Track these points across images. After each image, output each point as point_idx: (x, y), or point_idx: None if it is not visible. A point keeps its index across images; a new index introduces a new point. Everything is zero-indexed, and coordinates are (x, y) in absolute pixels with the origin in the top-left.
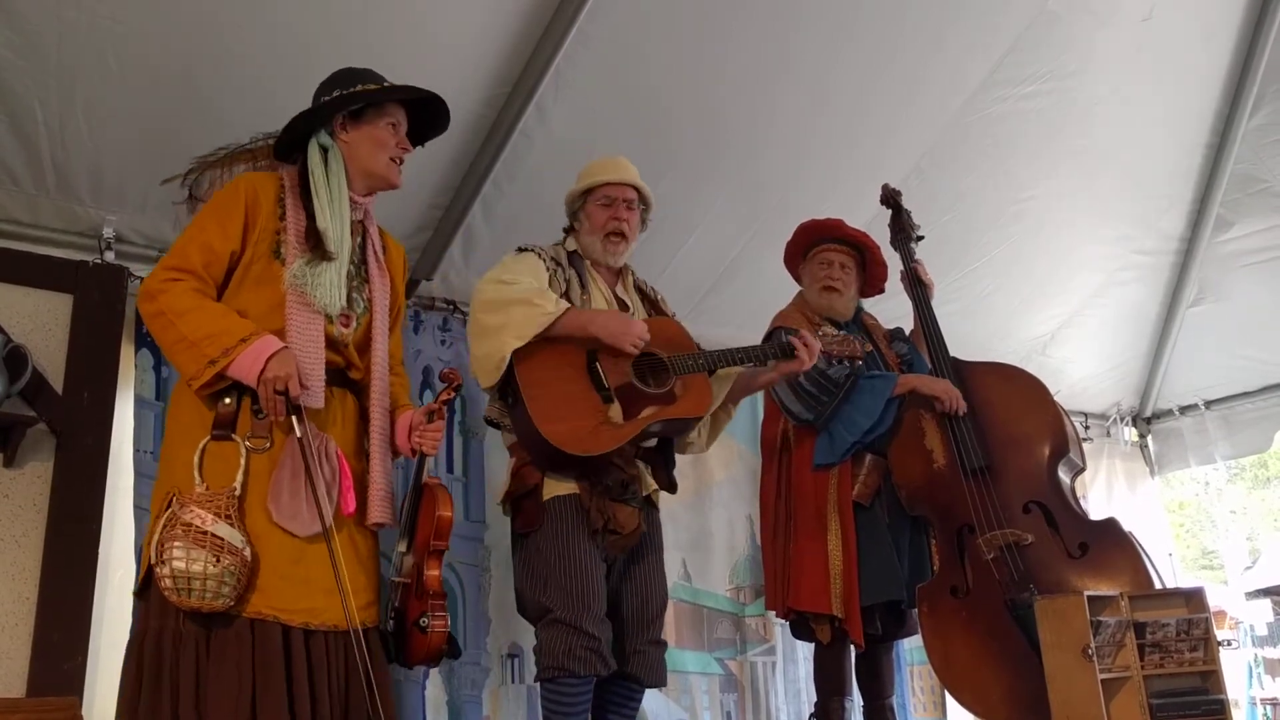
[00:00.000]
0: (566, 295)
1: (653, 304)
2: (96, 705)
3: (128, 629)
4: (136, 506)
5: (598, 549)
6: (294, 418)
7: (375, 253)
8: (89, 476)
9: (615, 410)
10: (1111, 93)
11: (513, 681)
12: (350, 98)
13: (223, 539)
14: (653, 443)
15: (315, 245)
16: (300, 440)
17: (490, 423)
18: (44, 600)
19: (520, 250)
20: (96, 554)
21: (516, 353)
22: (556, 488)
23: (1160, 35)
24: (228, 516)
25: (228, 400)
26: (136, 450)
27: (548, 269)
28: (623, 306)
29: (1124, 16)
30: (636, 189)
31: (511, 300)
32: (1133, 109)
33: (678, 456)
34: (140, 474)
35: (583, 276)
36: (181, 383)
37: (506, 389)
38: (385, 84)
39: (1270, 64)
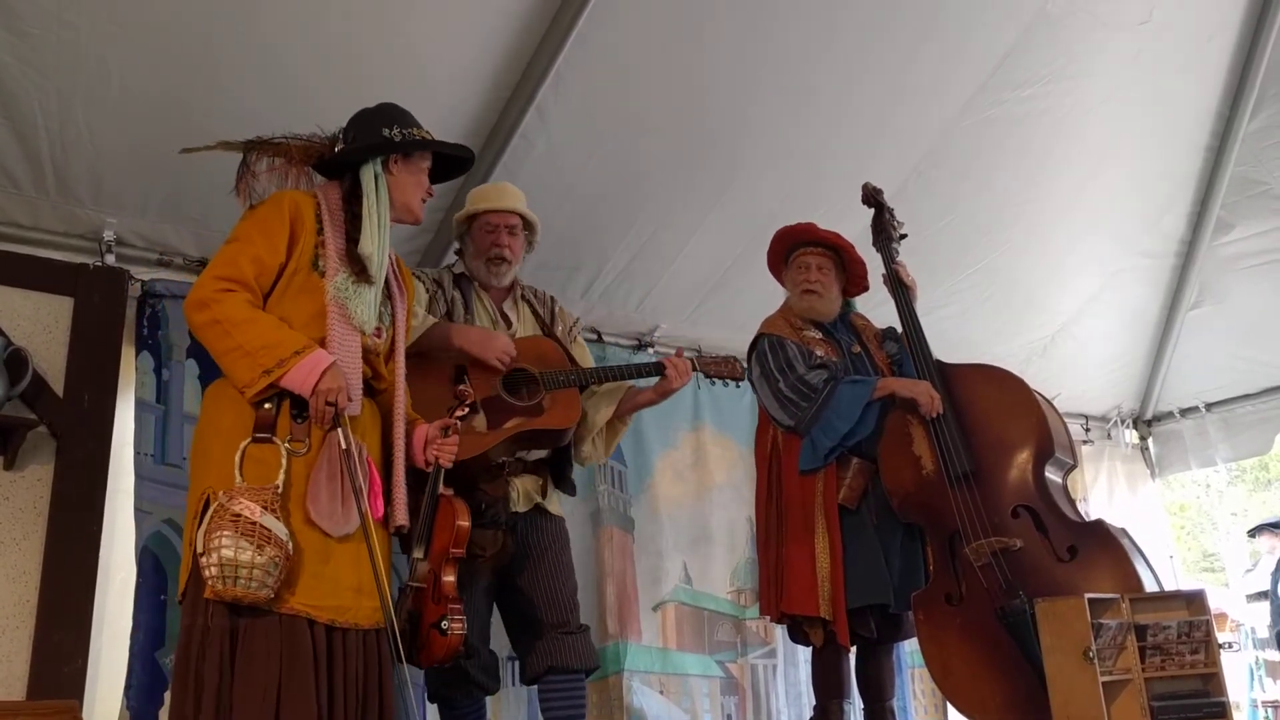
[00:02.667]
0: (449, 316)
1: (544, 319)
2: (97, 708)
3: (128, 632)
4: (137, 509)
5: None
6: (339, 428)
7: (394, 270)
8: (89, 479)
9: (480, 421)
10: (1111, 95)
11: (513, 683)
12: (418, 143)
13: (269, 530)
14: (537, 455)
15: (360, 270)
16: (344, 450)
17: None
18: (44, 603)
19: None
20: (97, 557)
21: None
22: None
23: (1160, 38)
24: (273, 510)
25: (267, 405)
26: (137, 453)
27: (428, 291)
28: (508, 322)
29: (1123, 19)
30: (520, 214)
31: None
32: (1132, 112)
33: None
34: (140, 477)
35: (467, 297)
36: (218, 387)
37: None
38: (430, 136)
39: (1270, 66)
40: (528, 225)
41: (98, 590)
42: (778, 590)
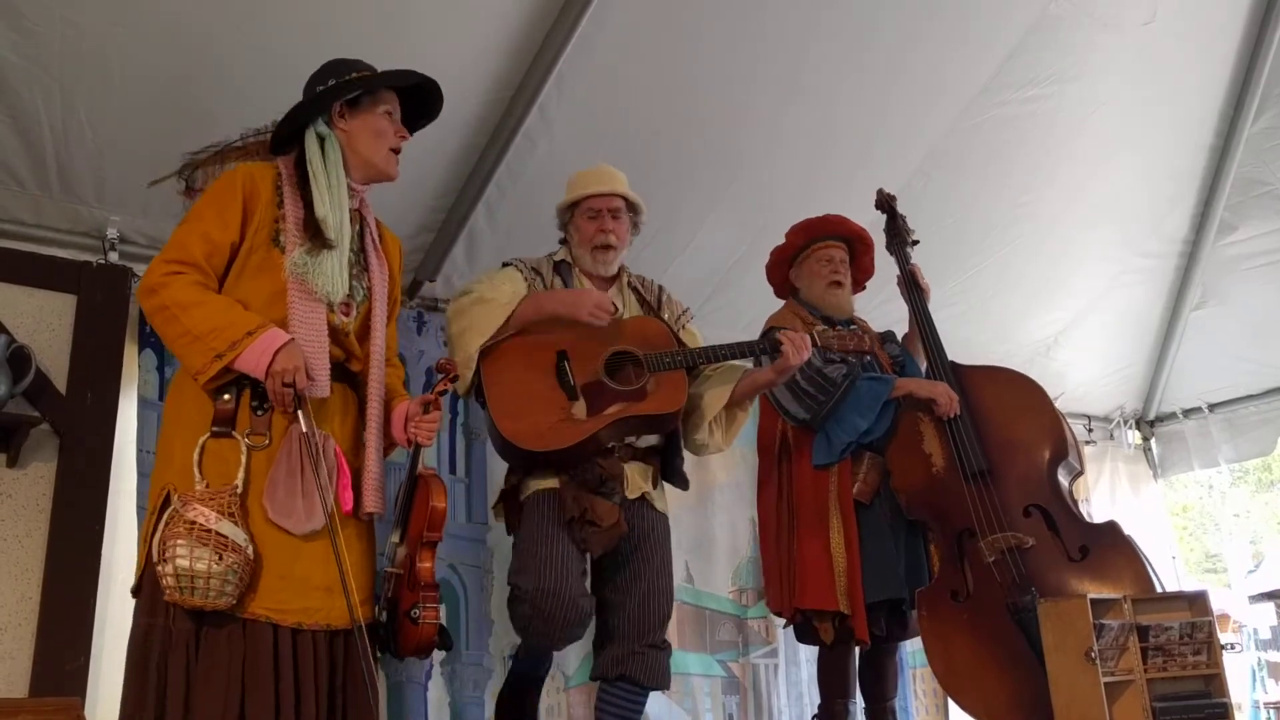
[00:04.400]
0: None
1: (651, 305)
2: (99, 706)
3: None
4: (139, 507)
5: (574, 539)
6: (299, 411)
7: (373, 241)
8: (92, 477)
9: (579, 407)
10: (1114, 96)
11: None
12: (346, 85)
13: (226, 537)
14: (646, 441)
15: (315, 234)
16: (304, 435)
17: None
18: (46, 601)
19: (504, 265)
20: (99, 555)
21: (484, 356)
22: (536, 484)
23: (1163, 38)
24: (231, 515)
25: (226, 396)
26: (139, 451)
27: (527, 280)
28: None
29: (1126, 20)
30: (624, 197)
31: (471, 304)
32: (1135, 112)
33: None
34: (143, 474)
35: (568, 284)
36: (180, 376)
37: (480, 392)
38: (372, 71)
39: (1274, 67)
40: (632, 207)
41: (100, 588)
42: (790, 586)
